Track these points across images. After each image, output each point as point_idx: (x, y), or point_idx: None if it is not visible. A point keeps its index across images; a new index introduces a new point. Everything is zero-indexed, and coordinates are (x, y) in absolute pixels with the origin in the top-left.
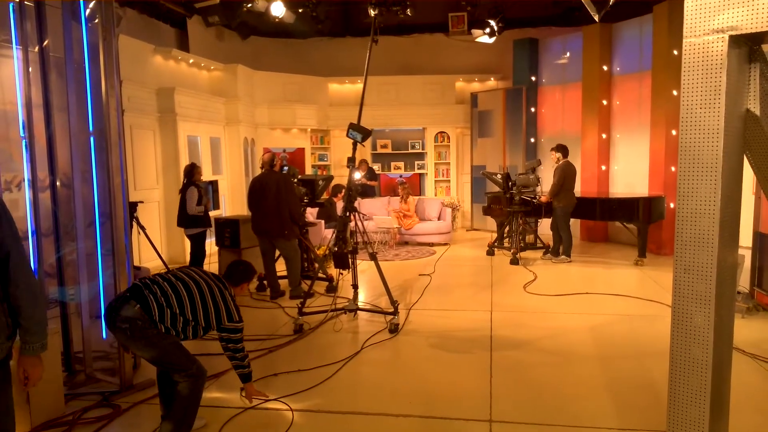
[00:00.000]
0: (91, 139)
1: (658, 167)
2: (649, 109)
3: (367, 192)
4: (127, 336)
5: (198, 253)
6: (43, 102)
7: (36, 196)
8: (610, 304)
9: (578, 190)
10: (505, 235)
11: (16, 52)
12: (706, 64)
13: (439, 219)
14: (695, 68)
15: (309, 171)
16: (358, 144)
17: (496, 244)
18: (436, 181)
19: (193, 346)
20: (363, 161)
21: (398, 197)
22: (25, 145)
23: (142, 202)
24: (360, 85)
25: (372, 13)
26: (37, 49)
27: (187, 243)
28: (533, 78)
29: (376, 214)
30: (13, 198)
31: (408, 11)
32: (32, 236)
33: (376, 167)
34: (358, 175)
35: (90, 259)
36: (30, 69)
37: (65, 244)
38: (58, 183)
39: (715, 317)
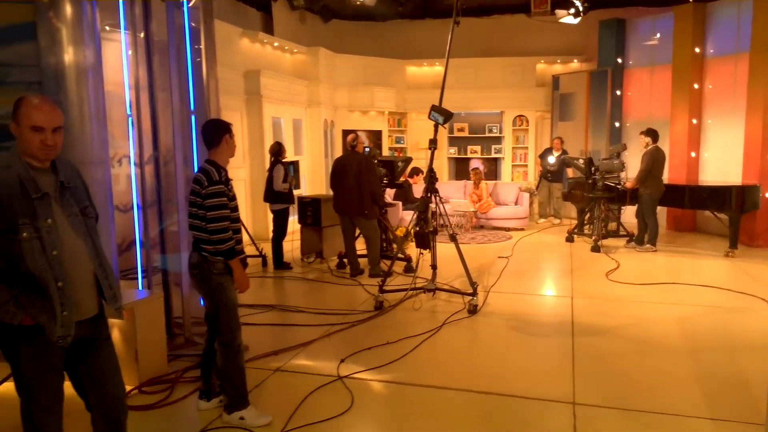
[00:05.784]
0: (192, 117)
1: (754, 155)
2: (745, 93)
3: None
4: (198, 281)
5: (280, 228)
6: (147, 83)
7: (142, 171)
8: (699, 295)
9: (666, 177)
10: (585, 221)
11: (125, 37)
12: None
13: (516, 204)
14: None
15: (386, 153)
16: (440, 126)
17: (576, 230)
18: (513, 165)
19: (275, 317)
20: (558, 138)
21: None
22: (131, 123)
23: (231, 180)
24: (438, 68)
25: None
26: (142, 34)
27: (271, 219)
28: (619, 60)
29: (452, 197)
30: (115, 173)
31: None
32: (137, 209)
33: (453, 150)
34: (552, 159)
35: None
36: (131, 52)
37: (167, 216)
38: (161, 159)
39: None
